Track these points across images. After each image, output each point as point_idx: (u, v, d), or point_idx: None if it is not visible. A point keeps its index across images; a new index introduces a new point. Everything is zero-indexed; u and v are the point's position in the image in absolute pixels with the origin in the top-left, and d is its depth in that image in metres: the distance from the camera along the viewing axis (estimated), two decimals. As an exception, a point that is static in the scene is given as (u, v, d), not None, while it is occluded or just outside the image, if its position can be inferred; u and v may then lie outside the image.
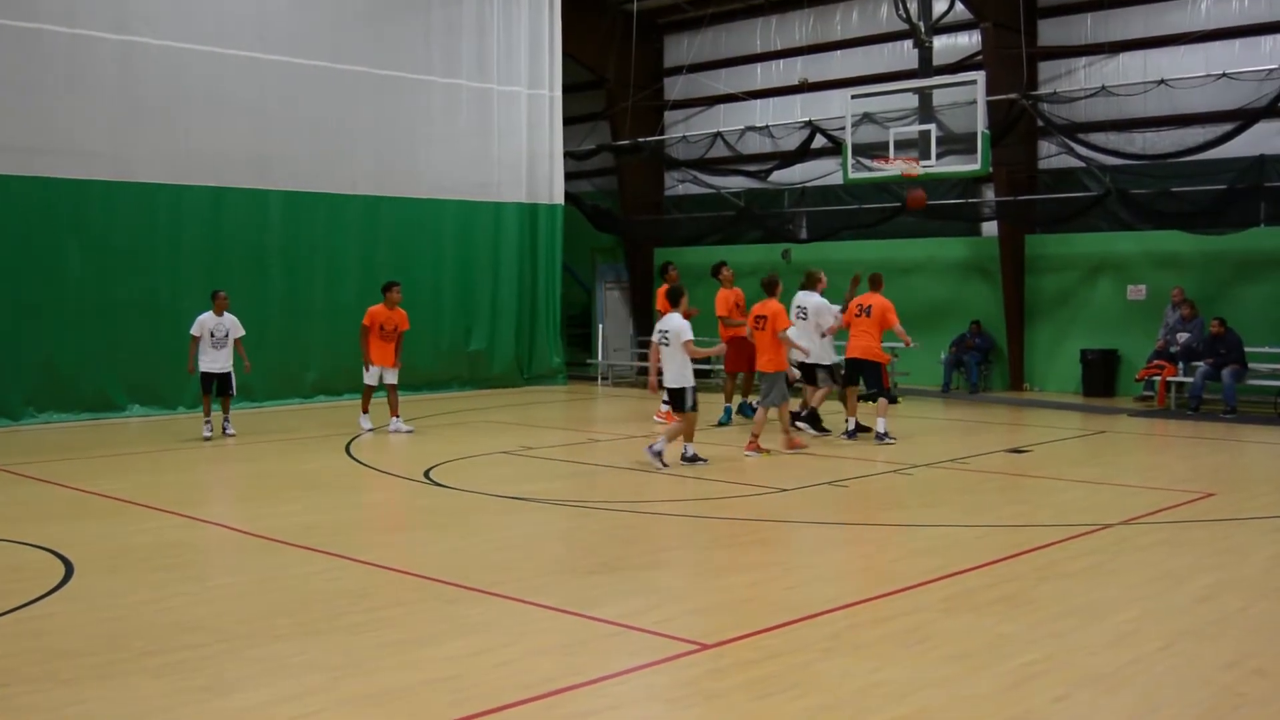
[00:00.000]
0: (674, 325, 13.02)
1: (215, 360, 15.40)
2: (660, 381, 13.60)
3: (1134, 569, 8.22)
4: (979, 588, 7.72)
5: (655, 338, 13.32)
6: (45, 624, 7.06)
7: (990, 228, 21.89)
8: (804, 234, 23.98)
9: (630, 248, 27.73)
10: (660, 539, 9.52)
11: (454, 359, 22.16)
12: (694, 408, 12.88)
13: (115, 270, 17.76)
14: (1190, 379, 17.92)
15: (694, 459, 12.87)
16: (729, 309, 16.56)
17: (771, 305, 13.88)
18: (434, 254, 21.81)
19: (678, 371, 12.88)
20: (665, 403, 16.42)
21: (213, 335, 15.37)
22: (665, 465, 12.64)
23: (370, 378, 16.33)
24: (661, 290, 15.14)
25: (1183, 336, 18.55)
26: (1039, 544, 8.95)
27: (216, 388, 15.54)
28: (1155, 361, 18.92)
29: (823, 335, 15.21)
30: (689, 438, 13.02)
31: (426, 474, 12.62)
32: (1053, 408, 19.13)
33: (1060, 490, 11.77)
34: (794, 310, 15.17)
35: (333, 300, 20.41)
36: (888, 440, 14.33)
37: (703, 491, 11.62)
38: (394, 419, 16.25)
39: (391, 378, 16.34)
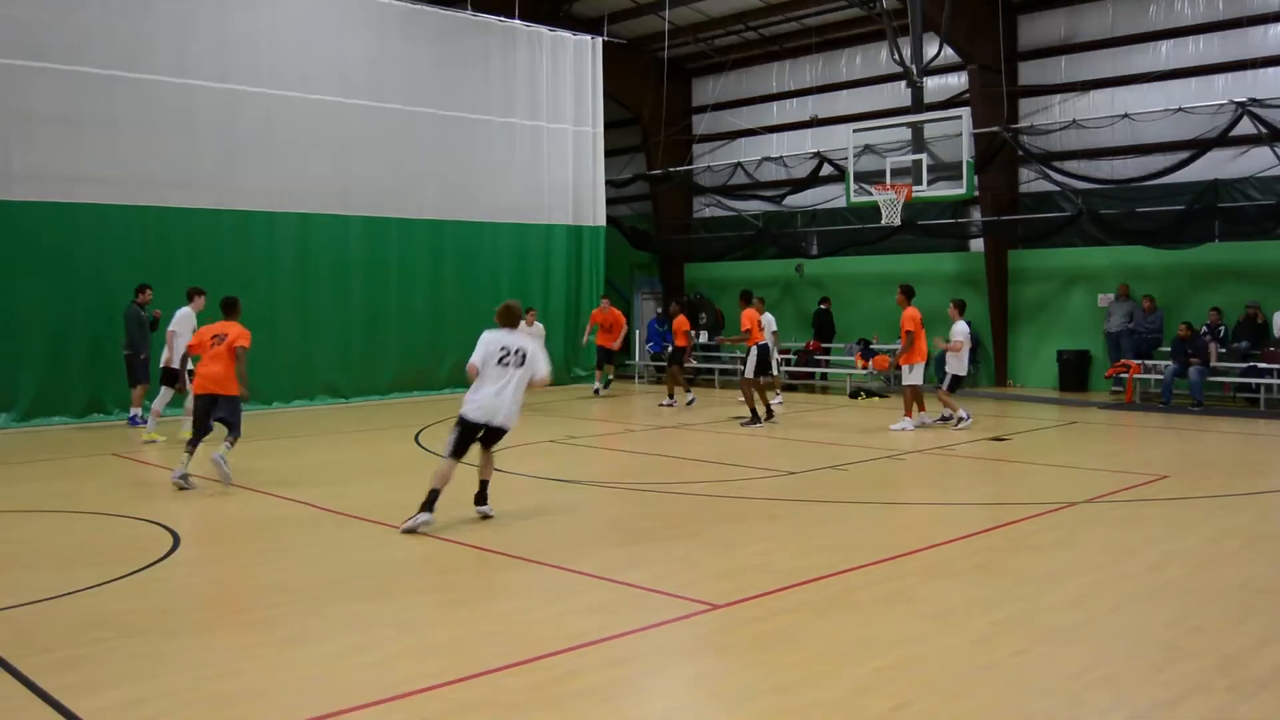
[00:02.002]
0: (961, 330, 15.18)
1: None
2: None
3: (1094, 541, 8.21)
4: (957, 557, 7.75)
5: (959, 337, 15.05)
6: (156, 586, 7.21)
7: (977, 244, 21.81)
8: (814, 250, 23.97)
9: (663, 263, 27.82)
10: (682, 515, 9.56)
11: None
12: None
13: (218, 285, 17.80)
14: (1132, 361, 18.63)
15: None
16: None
17: None
18: (492, 270, 21.93)
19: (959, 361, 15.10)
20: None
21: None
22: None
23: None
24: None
25: (1115, 318, 19.45)
26: (1012, 519, 8.96)
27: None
28: (1121, 361, 18.83)
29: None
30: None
31: (484, 459, 12.71)
32: (1032, 401, 19.04)
33: (1034, 473, 11.74)
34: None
35: (405, 309, 20.62)
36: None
37: (720, 475, 11.68)
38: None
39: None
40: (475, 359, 9.11)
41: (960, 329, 15.43)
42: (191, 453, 10.91)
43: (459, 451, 9.01)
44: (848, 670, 5.42)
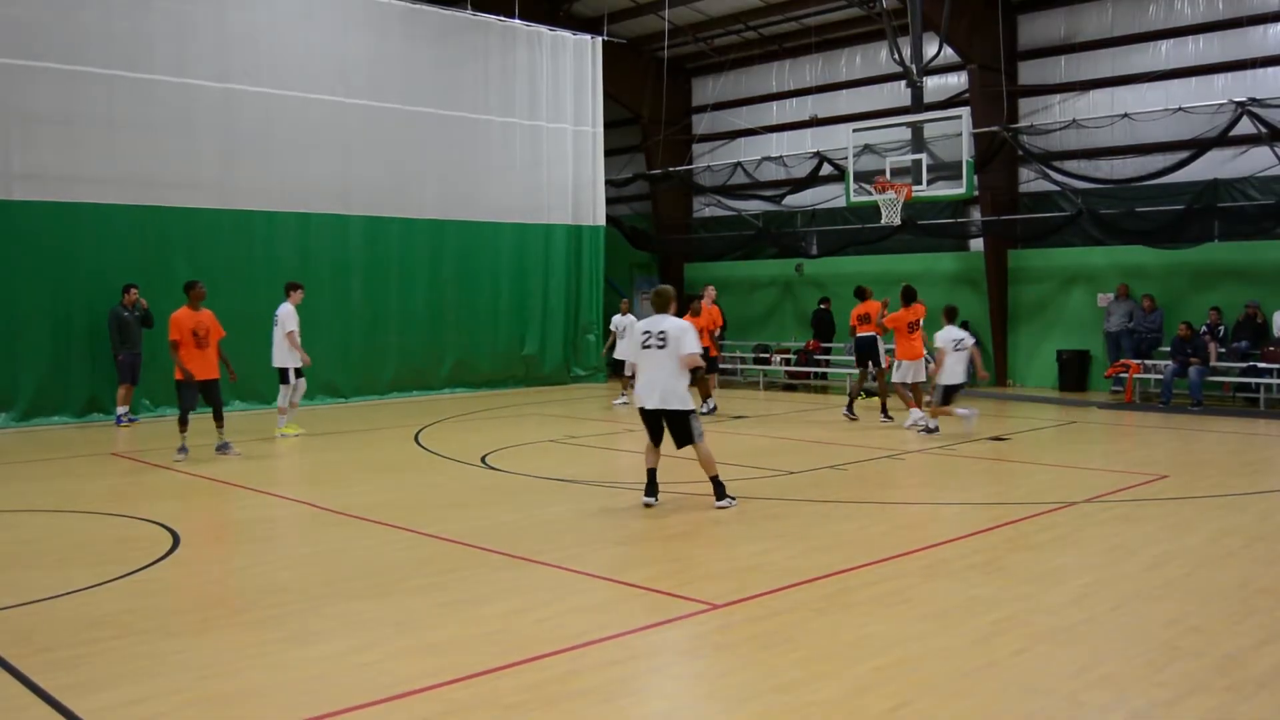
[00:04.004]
0: (967, 337, 14.16)
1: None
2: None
3: (1093, 541, 8.21)
4: (956, 556, 7.74)
5: (950, 345, 14.01)
6: (155, 585, 7.22)
7: (977, 244, 21.84)
8: (814, 250, 23.99)
9: (663, 263, 27.85)
10: (681, 515, 9.55)
11: (510, 360, 22.31)
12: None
13: (219, 284, 17.90)
14: (1131, 360, 18.70)
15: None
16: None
17: None
18: (492, 269, 21.96)
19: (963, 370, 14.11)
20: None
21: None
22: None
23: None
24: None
25: (1115, 317, 19.56)
26: (1011, 519, 8.95)
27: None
28: (1121, 360, 18.86)
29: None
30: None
31: (483, 459, 12.74)
32: (1032, 401, 19.03)
33: (1033, 473, 11.73)
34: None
35: (405, 309, 20.62)
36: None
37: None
38: (222, 438, 13.34)
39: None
40: (630, 354, 9.81)
41: (942, 335, 14.29)
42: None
43: (651, 438, 9.68)
44: (847, 670, 5.42)
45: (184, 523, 9.13)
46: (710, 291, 18.03)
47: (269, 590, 7.06)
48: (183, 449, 12.89)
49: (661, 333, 9.44)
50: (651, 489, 9.72)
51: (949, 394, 14.33)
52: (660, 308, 9.68)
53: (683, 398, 9.44)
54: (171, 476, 11.84)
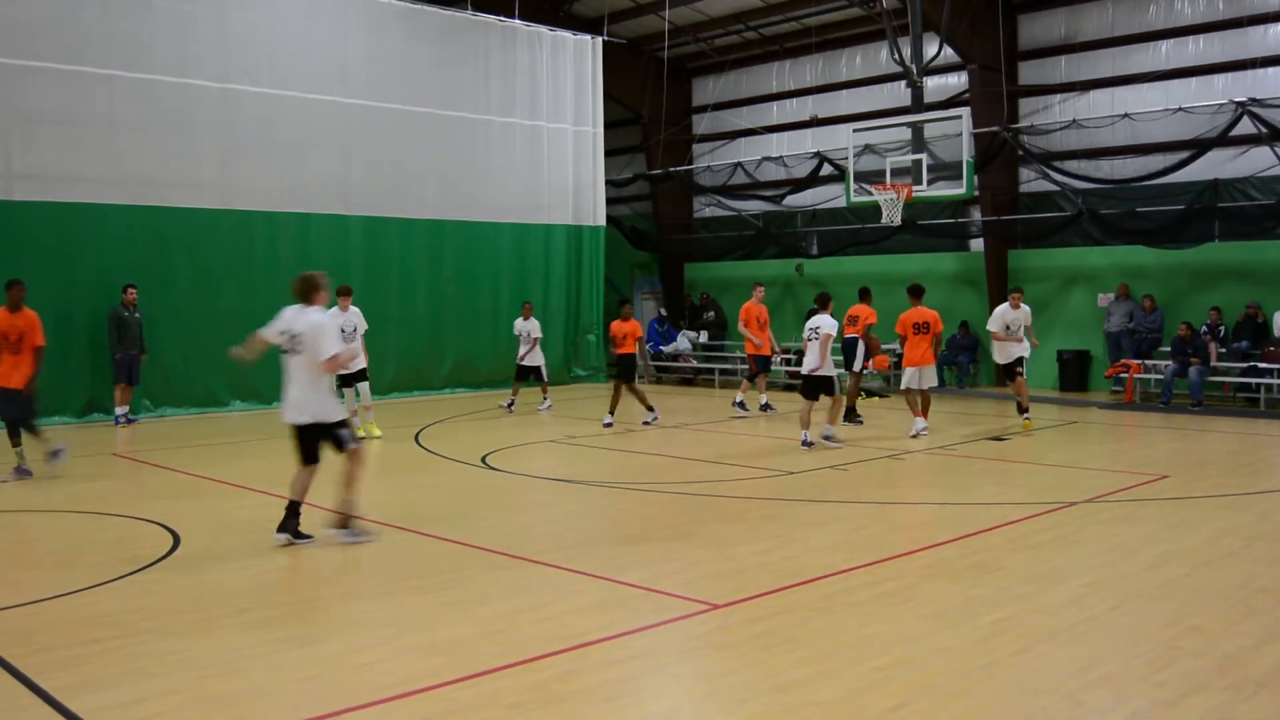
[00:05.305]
0: (825, 323, 13.57)
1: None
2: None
3: (1093, 541, 8.21)
4: (956, 556, 7.74)
5: (806, 334, 13.79)
6: (156, 585, 7.22)
7: (977, 244, 21.82)
8: (815, 250, 23.96)
9: (663, 263, 27.83)
10: (682, 514, 9.56)
11: (510, 361, 22.10)
12: (841, 392, 13.99)
13: (219, 285, 18.00)
14: (1130, 360, 18.70)
15: (832, 438, 13.49)
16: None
17: None
18: (493, 269, 21.94)
19: (819, 361, 13.51)
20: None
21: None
22: (840, 443, 13.42)
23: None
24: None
25: (1115, 318, 19.58)
26: (1011, 519, 8.95)
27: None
28: (1121, 360, 18.85)
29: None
30: (835, 420, 13.74)
31: (484, 459, 12.73)
32: (1032, 401, 18.91)
33: (1034, 473, 11.73)
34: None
35: (406, 310, 20.60)
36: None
37: (720, 474, 11.67)
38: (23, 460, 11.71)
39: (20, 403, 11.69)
40: (265, 331, 8.45)
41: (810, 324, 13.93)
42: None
43: (304, 456, 8.37)
44: (847, 670, 5.43)
45: (184, 523, 9.13)
46: (759, 291, 18.03)
47: (270, 590, 7.06)
48: (20, 469, 11.58)
49: (296, 335, 8.14)
50: (287, 523, 8.28)
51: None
52: (302, 297, 8.35)
53: (329, 409, 8.27)
54: (171, 476, 11.84)
